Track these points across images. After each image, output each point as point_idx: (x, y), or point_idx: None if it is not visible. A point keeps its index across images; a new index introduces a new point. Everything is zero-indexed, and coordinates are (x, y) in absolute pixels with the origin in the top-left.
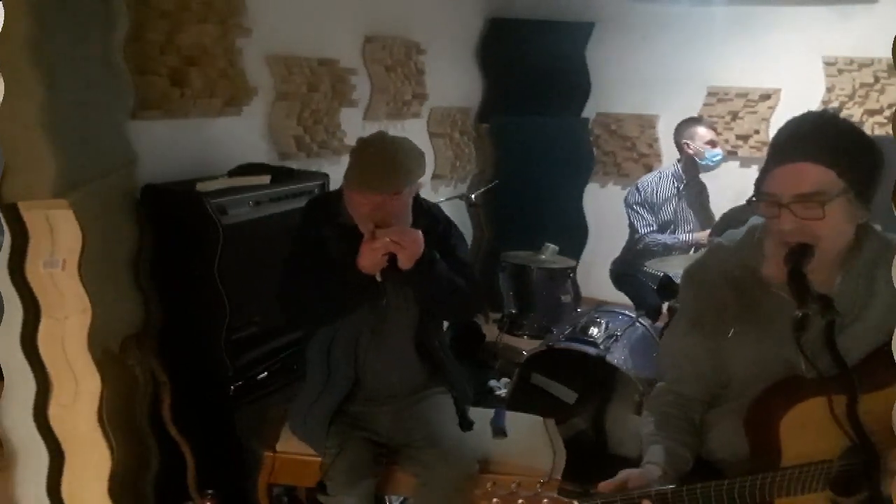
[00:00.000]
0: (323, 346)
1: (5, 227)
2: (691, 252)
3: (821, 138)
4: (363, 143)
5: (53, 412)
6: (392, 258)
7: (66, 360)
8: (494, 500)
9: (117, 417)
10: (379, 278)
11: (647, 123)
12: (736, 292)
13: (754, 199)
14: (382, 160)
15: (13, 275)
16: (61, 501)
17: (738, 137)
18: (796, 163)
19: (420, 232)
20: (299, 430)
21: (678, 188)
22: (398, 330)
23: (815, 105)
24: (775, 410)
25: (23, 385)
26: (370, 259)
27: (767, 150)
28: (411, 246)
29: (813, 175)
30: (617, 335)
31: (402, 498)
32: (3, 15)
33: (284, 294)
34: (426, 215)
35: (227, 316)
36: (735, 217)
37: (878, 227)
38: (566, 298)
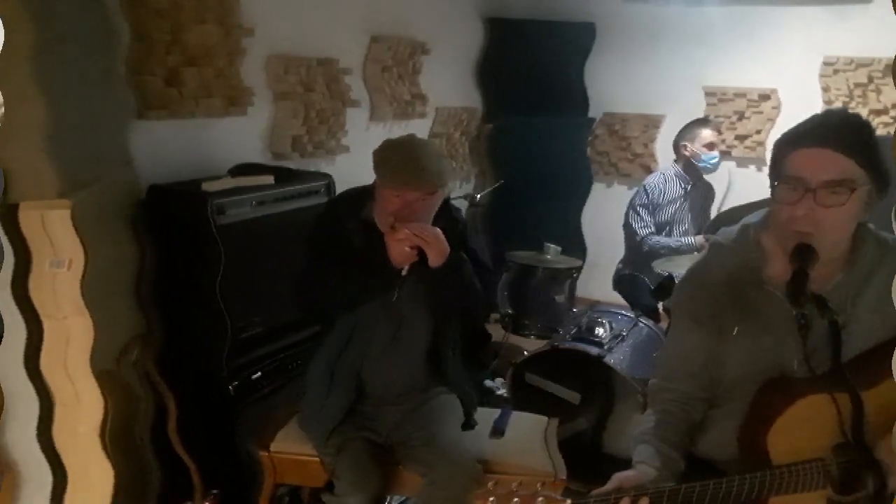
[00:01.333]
0: (331, 356)
1: (5, 242)
2: (695, 254)
3: (846, 131)
4: (395, 142)
5: (57, 431)
6: (422, 255)
7: (68, 378)
8: (491, 499)
9: (119, 435)
10: (405, 272)
11: (653, 124)
12: (734, 291)
13: (775, 183)
14: (423, 160)
15: (16, 292)
16: None
17: (741, 138)
18: (823, 148)
19: (439, 230)
20: (306, 429)
21: (685, 189)
22: (412, 335)
23: (815, 105)
24: (768, 415)
25: (26, 404)
26: (398, 250)
27: (788, 136)
28: (435, 242)
29: (841, 162)
30: (623, 335)
31: (403, 498)
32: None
33: (305, 279)
34: (446, 216)
35: (229, 320)
36: (728, 219)
37: (871, 227)
38: (560, 298)
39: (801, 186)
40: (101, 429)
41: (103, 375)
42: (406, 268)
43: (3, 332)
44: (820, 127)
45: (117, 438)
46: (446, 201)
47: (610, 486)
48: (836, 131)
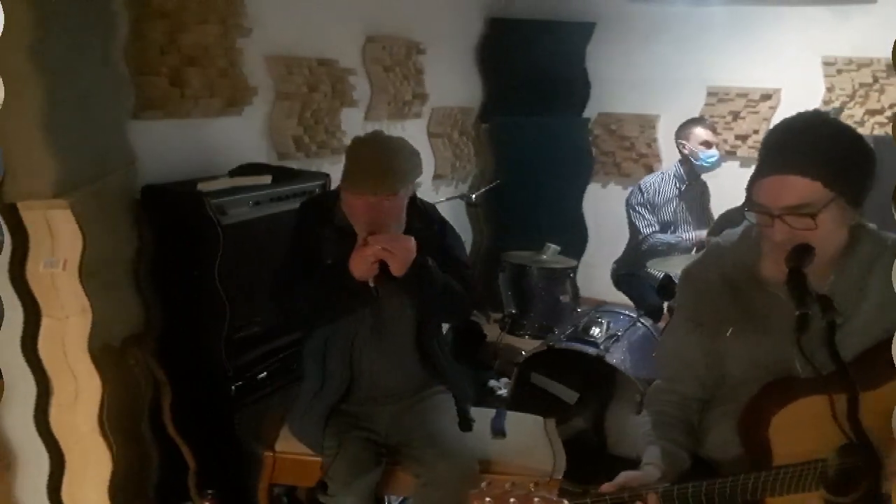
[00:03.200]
0: (318, 348)
1: (5, 230)
2: (693, 252)
3: (805, 149)
4: (358, 143)
5: (54, 415)
6: (384, 264)
7: (66, 363)
8: (487, 499)
9: (118, 420)
10: (371, 284)
11: (648, 123)
12: (733, 292)
13: (747, 208)
14: (379, 161)
15: (13, 277)
16: None
17: (739, 137)
18: (782, 175)
19: (412, 239)
20: (297, 432)
21: (680, 189)
22: (396, 330)
23: (815, 105)
24: (767, 410)
25: (23, 388)
26: (360, 266)
27: (758, 162)
28: (402, 253)
29: (799, 188)
30: (618, 335)
31: (401, 498)
32: (2, 18)
33: (277, 295)
34: (421, 216)
35: (228, 316)
36: (733, 217)
37: (873, 226)
38: (565, 298)
39: (766, 213)
40: (99, 414)
41: (101, 360)
42: (371, 280)
43: (1, 316)
44: (780, 150)
45: (116, 424)
46: (417, 200)
47: (617, 481)
48: (794, 151)
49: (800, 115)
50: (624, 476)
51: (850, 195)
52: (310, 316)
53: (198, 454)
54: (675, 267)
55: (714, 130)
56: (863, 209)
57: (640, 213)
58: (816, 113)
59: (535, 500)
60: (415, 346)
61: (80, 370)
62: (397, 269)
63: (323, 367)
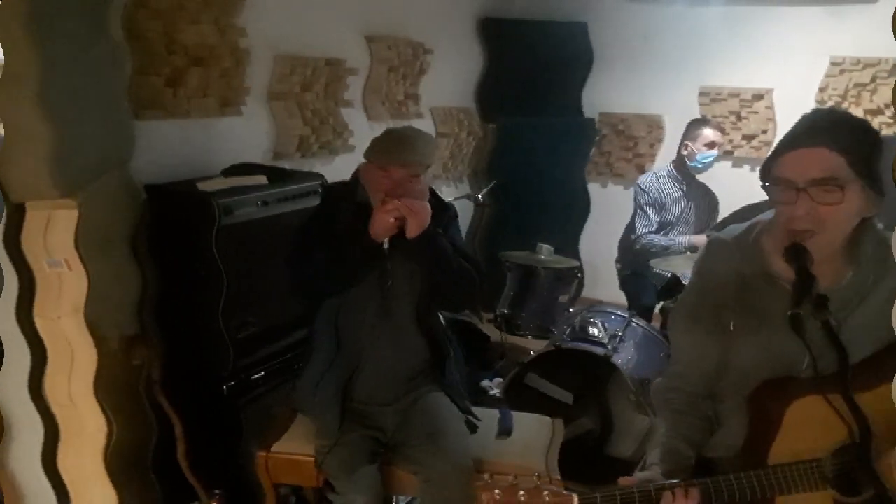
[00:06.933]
0: (330, 321)
1: (10, 270)
2: (687, 254)
3: (833, 127)
4: (388, 129)
5: (61, 455)
6: (401, 229)
7: (71, 402)
8: (496, 491)
9: (122, 456)
10: (386, 246)
11: (654, 124)
12: (741, 287)
13: (767, 184)
14: (409, 137)
15: (21, 320)
16: None
17: (744, 137)
18: (807, 148)
19: (429, 205)
20: (307, 408)
21: (682, 189)
22: (402, 310)
23: (810, 105)
24: (777, 406)
25: (29, 429)
26: (381, 223)
27: (781, 140)
28: (421, 212)
29: (825, 160)
30: (620, 335)
31: (409, 498)
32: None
33: (294, 260)
34: (435, 202)
35: (222, 312)
36: (741, 216)
37: (880, 225)
38: (563, 298)
39: (790, 187)
40: (105, 451)
41: (106, 398)
42: (386, 243)
43: (2, 356)
44: (805, 127)
45: (120, 459)
46: (434, 193)
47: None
48: (822, 129)
49: (819, 109)
50: (622, 482)
51: (872, 180)
52: (324, 279)
53: (205, 481)
54: (679, 267)
55: (722, 131)
56: (882, 205)
57: (647, 213)
58: (835, 107)
59: (545, 493)
60: (428, 350)
61: (86, 408)
62: (414, 229)
63: (336, 341)
